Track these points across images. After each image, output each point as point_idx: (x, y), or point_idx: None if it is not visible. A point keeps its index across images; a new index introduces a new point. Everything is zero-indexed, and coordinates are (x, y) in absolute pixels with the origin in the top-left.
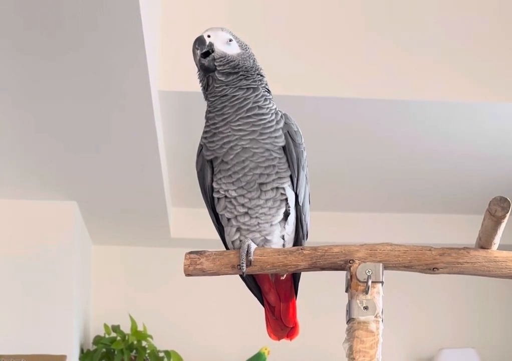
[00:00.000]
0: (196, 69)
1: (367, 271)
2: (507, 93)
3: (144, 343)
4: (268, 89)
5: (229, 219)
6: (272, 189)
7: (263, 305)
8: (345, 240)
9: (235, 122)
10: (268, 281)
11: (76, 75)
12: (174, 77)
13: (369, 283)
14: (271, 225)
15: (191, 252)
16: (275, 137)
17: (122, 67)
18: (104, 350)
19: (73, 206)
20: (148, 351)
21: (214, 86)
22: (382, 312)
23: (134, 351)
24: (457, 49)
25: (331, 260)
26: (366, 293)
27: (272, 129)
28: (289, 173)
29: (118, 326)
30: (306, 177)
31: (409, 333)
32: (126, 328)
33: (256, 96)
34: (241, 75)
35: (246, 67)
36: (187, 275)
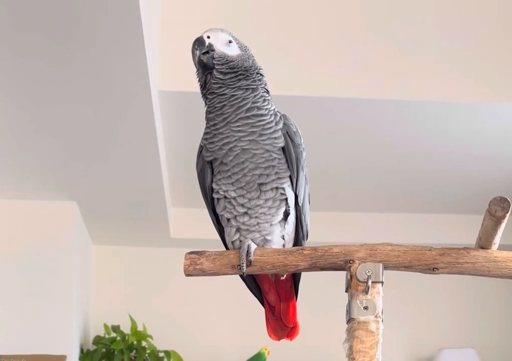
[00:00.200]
0: (196, 69)
1: (367, 271)
2: (507, 93)
3: (143, 343)
4: (267, 90)
5: (228, 220)
6: (271, 189)
7: (263, 305)
8: (345, 240)
9: (235, 122)
10: (268, 281)
11: (76, 76)
12: (174, 77)
13: (369, 283)
14: (271, 225)
15: (191, 253)
16: (275, 138)
17: (123, 68)
18: (104, 350)
19: (73, 206)
20: (148, 351)
21: (211, 83)
22: (382, 312)
23: (134, 351)
24: (457, 49)
25: (331, 260)
26: (366, 293)
27: (271, 130)
28: (288, 174)
29: (118, 326)
30: (305, 177)
31: (409, 333)
32: (126, 328)
33: (255, 96)
34: (240, 75)
35: (245, 67)
36: (187, 275)
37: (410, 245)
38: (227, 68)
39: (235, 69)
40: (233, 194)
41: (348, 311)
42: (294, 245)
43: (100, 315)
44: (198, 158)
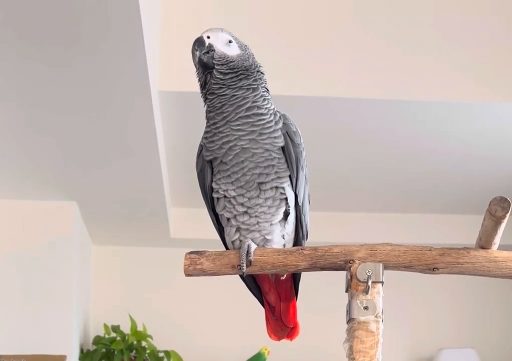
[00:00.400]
0: (196, 69)
1: (367, 271)
2: (507, 93)
3: (143, 343)
4: (267, 89)
5: (228, 219)
6: (271, 188)
7: (263, 306)
8: (345, 240)
9: (234, 121)
10: (268, 281)
11: (76, 76)
12: (173, 77)
13: (370, 283)
14: (271, 224)
15: (191, 252)
16: (274, 137)
17: (123, 68)
18: (104, 350)
19: (73, 206)
20: (148, 351)
21: (212, 83)
22: (382, 312)
23: (134, 351)
24: (457, 49)
25: (332, 260)
26: (367, 293)
27: (271, 129)
28: (288, 173)
29: (118, 326)
30: (305, 177)
31: (409, 333)
32: (126, 328)
33: (255, 96)
34: (241, 74)
35: (245, 67)
36: (187, 275)
37: (410, 245)
38: (227, 69)
39: (236, 70)
40: (233, 193)
41: (349, 311)
42: (294, 245)
43: (100, 315)
44: (198, 158)
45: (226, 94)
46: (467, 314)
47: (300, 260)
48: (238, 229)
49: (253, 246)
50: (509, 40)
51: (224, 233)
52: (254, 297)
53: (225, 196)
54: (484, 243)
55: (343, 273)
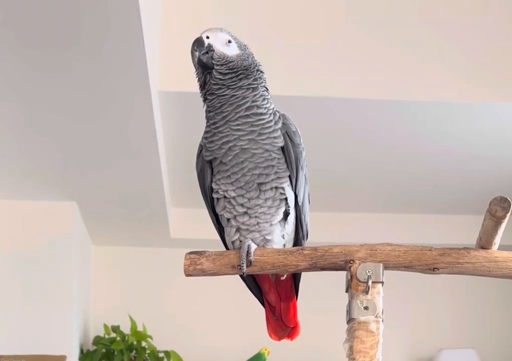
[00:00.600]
0: (195, 69)
1: (367, 271)
2: (507, 93)
3: (143, 344)
4: (267, 88)
5: (228, 220)
6: (271, 188)
7: (263, 305)
8: (345, 241)
9: (234, 121)
10: (269, 281)
11: (76, 77)
12: (173, 77)
13: (370, 283)
14: (271, 224)
15: (191, 253)
16: (274, 138)
17: (122, 68)
18: (104, 350)
19: (73, 207)
20: (148, 351)
21: (211, 83)
22: (382, 312)
23: (134, 351)
24: (456, 49)
25: (332, 260)
26: (367, 293)
27: (271, 129)
28: (288, 173)
29: (118, 326)
30: (305, 177)
31: (409, 333)
32: (126, 328)
33: (255, 95)
34: (240, 74)
35: (245, 66)
36: (187, 275)
37: (410, 245)
38: (226, 69)
39: (235, 69)
40: (233, 194)
41: (349, 311)
42: (294, 245)
43: (100, 315)
44: (197, 158)
45: (226, 94)
46: (467, 314)
47: (300, 261)
48: (238, 229)
49: (253, 247)
50: (509, 40)
51: (224, 233)
52: (254, 297)
53: (225, 197)
54: (484, 243)
55: (344, 273)
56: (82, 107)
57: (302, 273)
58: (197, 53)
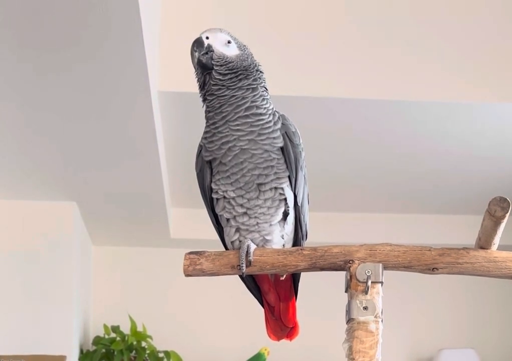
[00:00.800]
0: (195, 70)
1: (367, 271)
2: (507, 93)
3: (143, 344)
4: (266, 88)
5: (228, 220)
6: (270, 189)
7: (262, 306)
8: (345, 241)
9: (234, 121)
10: (268, 281)
11: (76, 77)
12: (173, 78)
13: (369, 283)
14: (270, 225)
15: (190, 253)
16: (273, 138)
17: (122, 68)
18: (104, 350)
19: (73, 207)
20: (148, 351)
21: (211, 84)
22: (382, 312)
23: (134, 351)
24: (457, 49)
25: (331, 260)
26: (366, 293)
27: (270, 130)
28: (287, 174)
29: (118, 327)
30: (304, 178)
31: (409, 334)
32: (126, 329)
33: (254, 96)
34: (240, 74)
35: (244, 67)
36: (187, 275)
37: (409, 245)
38: (226, 70)
39: (235, 70)
40: (232, 194)
41: (348, 311)
42: (294, 245)
43: (100, 315)
44: (197, 158)
45: (226, 95)
46: (467, 314)
47: (300, 261)
48: (237, 229)
49: (253, 247)
50: (509, 40)
51: (223, 233)
52: (253, 297)
53: (224, 197)
54: (483, 243)
55: (343, 273)
56: (82, 107)
57: (302, 273)
58: (196, 54)
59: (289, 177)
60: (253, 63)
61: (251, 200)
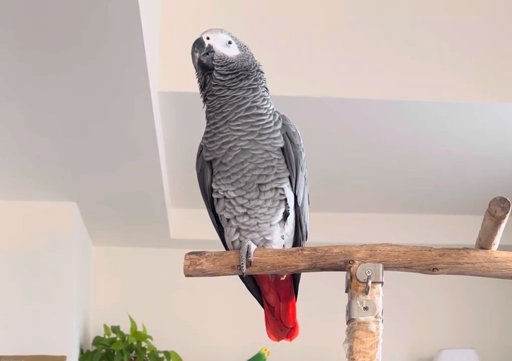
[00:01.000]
0: (195, 70)
1: (367, 272)
2: (507, 93)
3: (143, 344)
4: (267, 88)
5: (228, 220)
6: (271, 189)
7: (262, 306)
8: (345, 241)
9: (234, 121)
10: (268, 281)
11: (76, 77)
12: (173, 78)
13: (369, 283)
14: (271, 225)
15: (190, 253)
16: (274, 138)
17: (122, 69)
18: (104, 350)
19: (73, 207)
20: (148, 351)
21: (211, 84)
22: (382, 312)
23: (134, 351)
24: (456, 49)
25: (331, 261)
26: (366, 293)
27: (271, 130)
28: (288, 174)
29: (118, 327)
30: (305, 178)
31: (409, 334)
32: (126, 329)
33: (255, 96)
34: (241, 75)
35: (245, 67)
36: (187, 275)
37: (409, 245)
38: (226, 70)
39: (235, 70)
40: (233, 195)
41: (348, 311)
42: (294, 245)
43: (100, 315)
44: (197, 158)
45: (226, 95)
46: (467, 314)
47: (300, 261)
48: (238, 229)
49: (253, 247)
50: (509, 40)
51: (224, 233)
52: (253, 297)
53: (225, 197)
54: (484, 243)
55: (343, 273)
56: (82, 107)
57: (302, 273)
58: (197, 54)
59: (289, 177)
60: (253, 63)
61: (252, 200)
